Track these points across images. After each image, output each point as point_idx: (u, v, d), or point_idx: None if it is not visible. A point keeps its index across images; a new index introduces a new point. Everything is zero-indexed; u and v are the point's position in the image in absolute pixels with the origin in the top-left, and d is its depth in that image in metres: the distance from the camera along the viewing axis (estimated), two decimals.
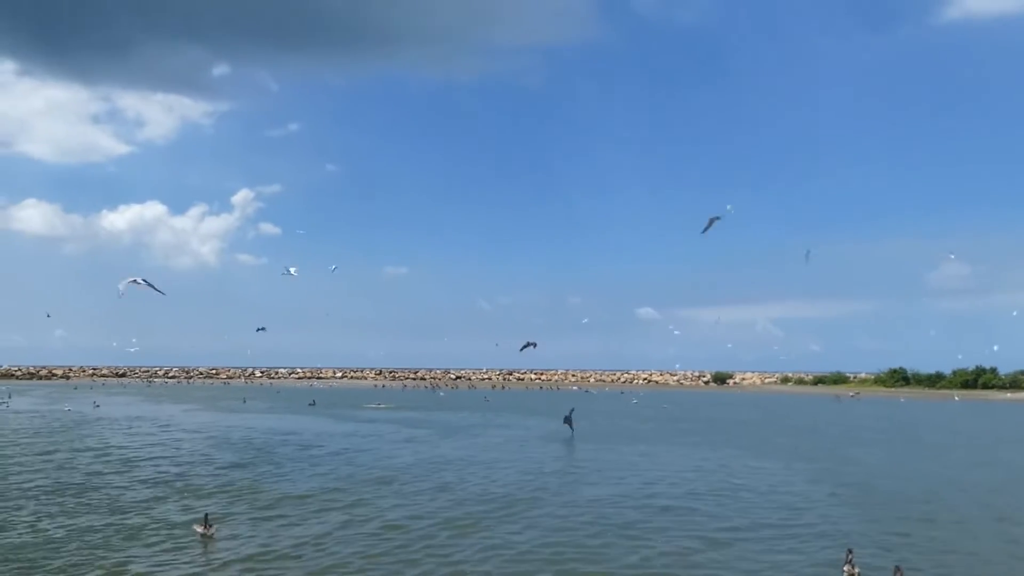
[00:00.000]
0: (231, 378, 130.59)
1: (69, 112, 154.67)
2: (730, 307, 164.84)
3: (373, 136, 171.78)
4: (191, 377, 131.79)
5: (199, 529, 12.99)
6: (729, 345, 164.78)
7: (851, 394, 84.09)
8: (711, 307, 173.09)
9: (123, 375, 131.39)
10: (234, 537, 12.86)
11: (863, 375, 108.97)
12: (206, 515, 13.33)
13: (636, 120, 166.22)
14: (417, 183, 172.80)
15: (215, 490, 17.46)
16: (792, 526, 14.39)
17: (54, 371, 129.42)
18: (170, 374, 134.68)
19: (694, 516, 15.21)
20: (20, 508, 14.99)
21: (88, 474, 19.50)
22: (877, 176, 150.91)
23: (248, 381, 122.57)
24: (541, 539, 13.06)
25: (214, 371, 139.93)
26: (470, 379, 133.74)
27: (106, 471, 20.04)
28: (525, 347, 26.88)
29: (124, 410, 47.19)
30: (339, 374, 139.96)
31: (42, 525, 13.51)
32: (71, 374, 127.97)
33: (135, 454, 23.90)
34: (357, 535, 13.16)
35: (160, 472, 20.10)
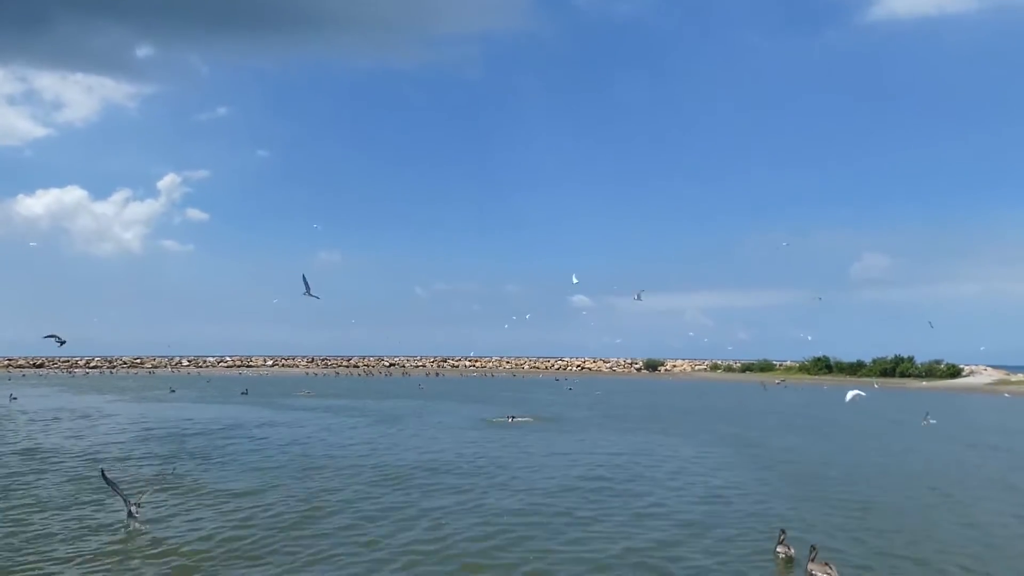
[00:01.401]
0: (157, 367, 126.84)
1: None
2: (661, 296, 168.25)
3: (306, 123, 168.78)
4: (114, 367, 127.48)
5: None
6: (691, 333, 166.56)
7: (777, 381, 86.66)
8: (645, 295, 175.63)
9: (41, 365, 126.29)
10: (164, 529, 12.53)
11: (788, 363, 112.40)
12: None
13: (574, 111, 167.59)
14: (351, 171, 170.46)
15: (146, 485, 16.84)
16: (727, 508, 14.80)
17: None
18: (92, 364, 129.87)
19: (636, 500, 15.48)
20: None
21: (6, 472, 18.43)
22: (804, 171, 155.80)
23: (175, 370, 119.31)
24: (495, 525, 13.13)
25: (139, 360, 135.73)
26: (404, 366, 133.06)
27: (26, 468, 18.98)
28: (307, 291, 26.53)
29: (44, 402, 45.26)
30: (270, 362, 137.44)
31: None
32: None
33: (58, 449, 22.81)
34: (302, 528, 12.97)
35: (86, 467, 19.13)
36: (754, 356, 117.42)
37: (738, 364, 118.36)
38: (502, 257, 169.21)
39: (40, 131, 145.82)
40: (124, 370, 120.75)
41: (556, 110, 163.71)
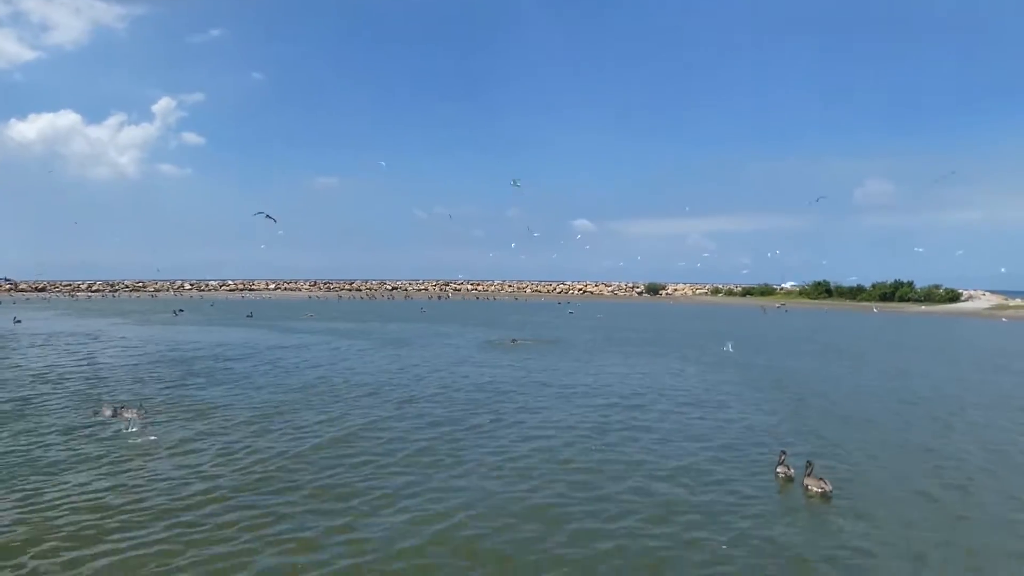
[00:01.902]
0: (159, 291, 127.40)
1: None
2: (664, 220, 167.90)
3: (301, 44, 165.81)
4: (116, 291, 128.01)
5: (108, 413, 13.47)
6: (706, 254, 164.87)
7: (777, 305, 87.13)
8: (646, 220, 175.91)
9: (43, 289, 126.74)
10: (187, 451, 12.73)
11: (789, 287, 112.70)
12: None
13: (576, 34, 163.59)
14: (347, 92, 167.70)
15: (158, 407, 17.03)
16: (730, 428, 15.00)
17: None
18: (94, 288, 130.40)
19: (640, 419, 15.67)
20: None
21: (14, 396, 18.29)
22: (809, 95, 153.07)
23: (177, 294, 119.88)
24: (524, 442, 13.36)
25: (141, 284, 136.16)
26: (406, 290, 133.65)
27: (34, 392, 18.89)
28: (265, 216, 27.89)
29: (49, 325, 45.47)
30: (272, 285, 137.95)
31: None
32: None
33: (65, 372, 22.82)
34: (335, 447, 13.16)
35: (94, 390, 19.28)
36: (755, 280, 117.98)
37: (739, 288, 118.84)
38: (503, 178, 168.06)
39: (29, 54, 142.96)
40: (126, 294, 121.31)
41: (557, 31, 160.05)
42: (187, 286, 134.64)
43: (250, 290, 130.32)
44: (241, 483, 10.78)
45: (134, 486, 10.58)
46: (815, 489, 10.57)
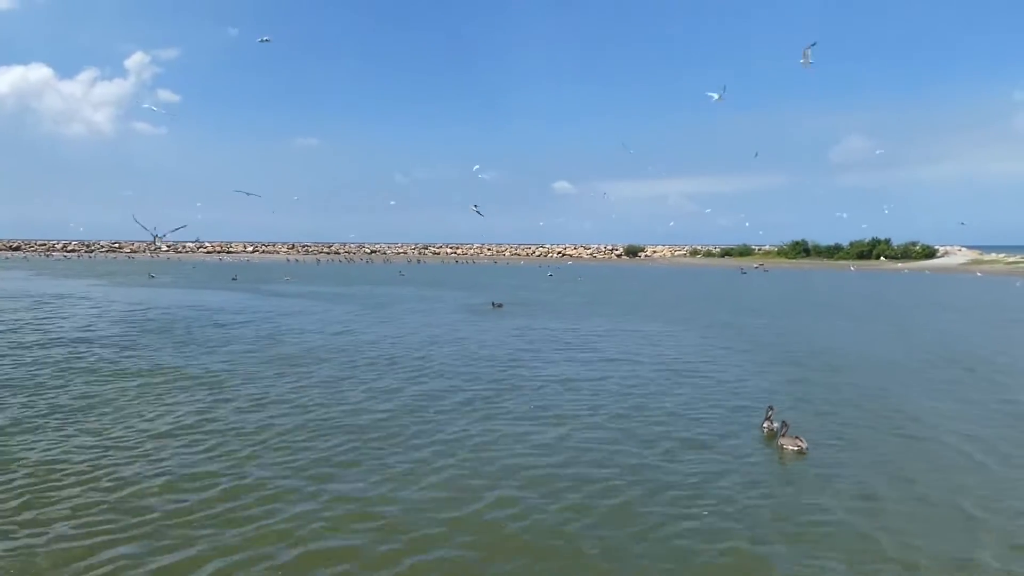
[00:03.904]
0: (135, 252, 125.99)
1: None
2: (644, 181, 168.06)
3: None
4: (92, 251, 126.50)
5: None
6: (674, 223, 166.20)
7: (756, 265, 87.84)
8: (627, 181, 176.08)
9: (17, 248, 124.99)
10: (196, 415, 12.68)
11: (767, 247, 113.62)
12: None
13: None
14: (325, 51, 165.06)
15: (141, 372, 16.74)
16: (716, 388, 15.13)
17: None
18: (70, 248, 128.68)
19: (620, 382, 15.75)
20: None
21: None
22: (783, 53, 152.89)
23: (154, 255, 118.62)
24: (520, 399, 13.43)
25: (117, 245, 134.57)
26: (385, 253, 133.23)
27: (3, 352, 18.34)
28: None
29: (21, 285, 44.66)
30: (250, 248, 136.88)
31: None
32: None
33: (40, 334, 22.18)
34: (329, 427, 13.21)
35: (77, 352, 18.83)
36: (735, 240, 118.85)
37: (717, 249, 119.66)
38: (482, 141, 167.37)
39: (1, 3, 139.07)
40: (103, 254, 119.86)
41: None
42: (164, 247, 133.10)
43: (227, 252, 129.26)
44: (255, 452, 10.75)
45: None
46: (791, 448, 10.78)
